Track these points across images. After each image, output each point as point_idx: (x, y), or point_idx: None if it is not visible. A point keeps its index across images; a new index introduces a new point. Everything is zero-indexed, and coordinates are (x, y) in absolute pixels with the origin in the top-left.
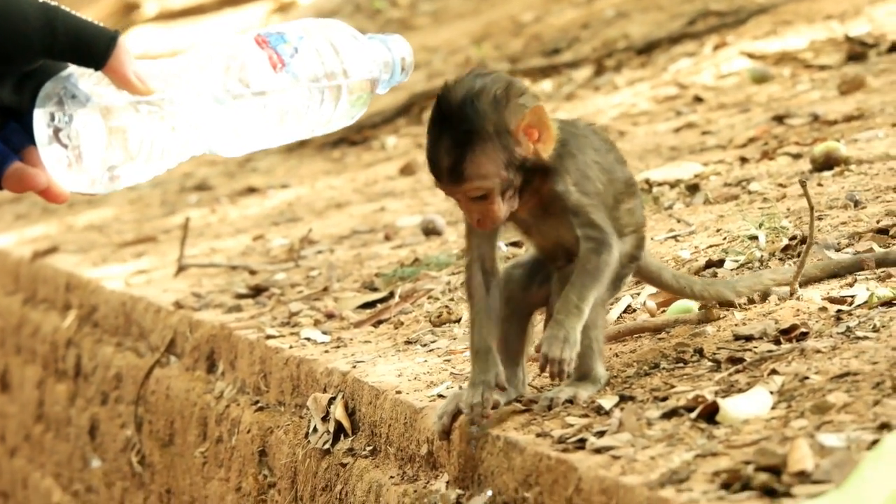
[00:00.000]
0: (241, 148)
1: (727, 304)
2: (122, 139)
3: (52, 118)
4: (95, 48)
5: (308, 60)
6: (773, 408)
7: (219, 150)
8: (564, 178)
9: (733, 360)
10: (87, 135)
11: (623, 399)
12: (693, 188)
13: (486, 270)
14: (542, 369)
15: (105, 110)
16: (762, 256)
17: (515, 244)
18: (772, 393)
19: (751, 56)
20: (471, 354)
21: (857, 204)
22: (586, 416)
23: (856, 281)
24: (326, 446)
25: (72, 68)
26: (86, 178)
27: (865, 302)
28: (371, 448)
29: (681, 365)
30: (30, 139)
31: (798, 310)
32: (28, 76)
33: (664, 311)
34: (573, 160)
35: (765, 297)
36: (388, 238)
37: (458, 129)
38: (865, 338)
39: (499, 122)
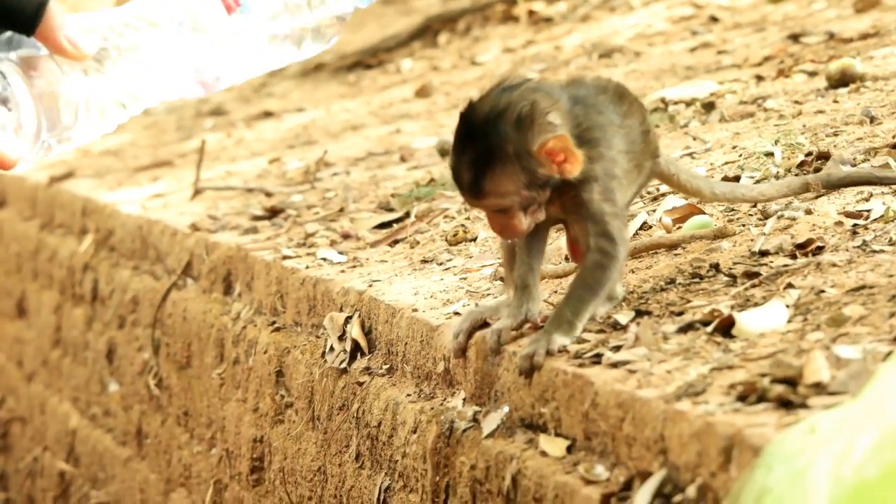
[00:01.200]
0: (202, 89)
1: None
2: (65, 102)
3: None
4: (22, 15)
5: None
6: (788, 321)
7: (174, 97)
8: (592, 185)
9: (749, 275)
10: (27, 99)
11: (639, 314)
12: (709, 106)
13: None
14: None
15: (42, 73)
16: (778, 172)
17: None
18: (788, 306)
19: None
20: (508, 285)
21: (872, 120)
22: (602, 331)
23: (871, 196)
24: (343, 365)
25: (8, 33)
26: (30, 140)
27: (882, 216)
28: (388, 367)
29: (697, 280)
30: None
31: (814, 224)
32: None
33: (680, 227)
34: (601, 163)
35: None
36: (403, 159)
37: (479, 146)
38: (881, 251)
39: (520, 144)
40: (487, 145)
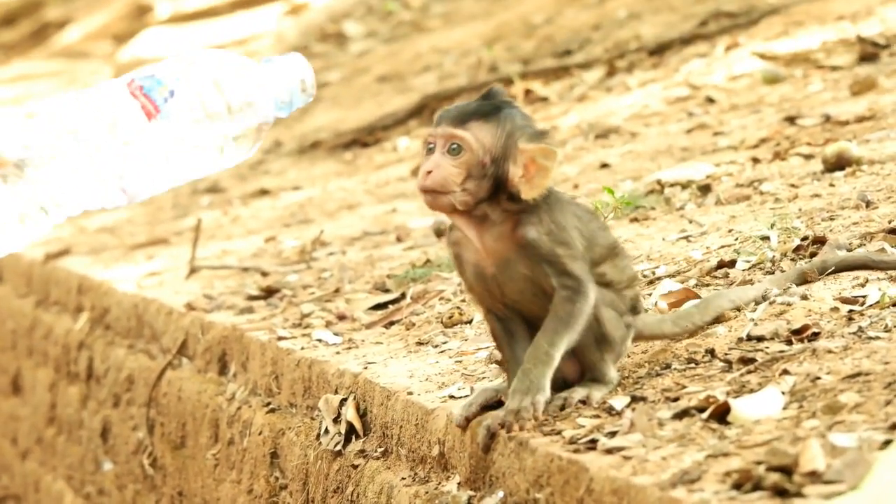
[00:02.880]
0: (124, 199)
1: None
2: None
3: None
4: None
5: (186, 104)
6: (784, 408)
7: (96, 206)
8: (537, 226)
9: (745, 361)
10: None
11: (634, 399)
12: (705, 189)
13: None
14: (505, 428)
15: None
16: (774, 257)
17: None
18: (783, 393)
19: (763, 57)
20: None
21: (868, 204)
22: (598, 416)
23: (868, 281)
24: (338, 448)
25: None
26: None
27: (877, 302)
28: (382, 449)
29: (692, 365)
30: None
31: (810, 310)
32: None
33: (676, 312)
34: (550, 213)
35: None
36: (399, 239)
37: (489, 105)
38: (877, 338)
39: (519, 130)
40: (497, 107)
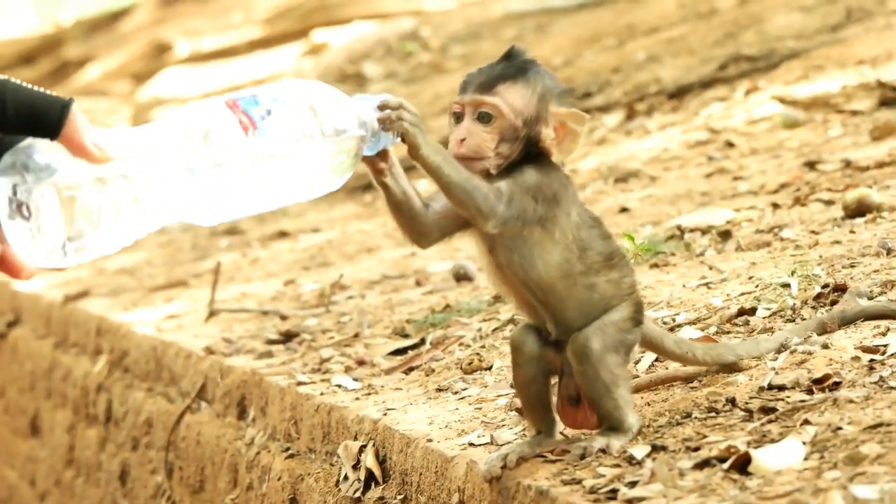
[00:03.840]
0: (216, 216)
1: (729, 368)
2: (83, 210)
3: (14, 191)
4: (48, 118)
5: (282, 122)
6: (805, 458)
7: (192, 218)
8: (523, 171)
9: (766, 410)
10: (47, 207)
11: (655, 449)
12: (725, 234)
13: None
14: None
15: (63, 181)
16: (794, 304)
17: None
18: (804, 443)
19: (782, 101)
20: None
21: (889, 251)
22: (618, 465)
23: (889, 330)
24: (357, 494)
25: (31, 139)
26: (48, 250)
27: None
28: (402, 497)
29: (713, 414)
30: None
31: (831, 359)
32: None
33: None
34: (549, 184)
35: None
36: (419, 284)
37: (516, 66)
38: None
39: (547, 94)
40: (525, 68)
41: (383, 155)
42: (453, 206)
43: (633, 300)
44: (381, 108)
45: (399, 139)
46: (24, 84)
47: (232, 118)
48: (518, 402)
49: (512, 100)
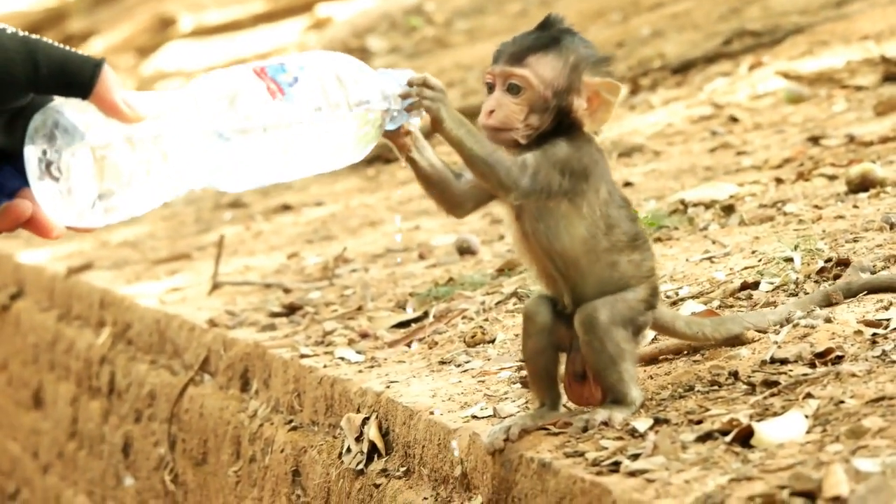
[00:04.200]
0: (243, 182)
1: (737, 341)
2: (113, 170)
3: (44, 152)
4: (80, 77)
5: (309, 90)
6: (808, 432)
7: (219, 183)
8: (556, 144)
9: (768, 384)
10: (78, 167)
11: (657, 422)
12: (728, 209)
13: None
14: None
15: (94, 141)
16: (797, 279)
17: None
18: (807, 417)
19: (786, 76)
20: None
21: (892, 226)
22: (621, 438)
23: (891, 304)
24: (360, 467)
25: (60, 100)
26: (79, 210)
27: None
28: (405, 469)
29: (715, 388)
30: (24, 181)
31: (833, 333)
32: (18, 115)
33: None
34: (579, 158)
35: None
36: (422, 257)
37: (548, 36)
38: None
39: (581, 64)
40: (555, 38)
41: (405, 129)
42: (476, 178)
43: (651, 283)
44: (408, 84)
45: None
46: (56, 43)
47: (260, 84)
48: (521, 376)
49: (542, 71)
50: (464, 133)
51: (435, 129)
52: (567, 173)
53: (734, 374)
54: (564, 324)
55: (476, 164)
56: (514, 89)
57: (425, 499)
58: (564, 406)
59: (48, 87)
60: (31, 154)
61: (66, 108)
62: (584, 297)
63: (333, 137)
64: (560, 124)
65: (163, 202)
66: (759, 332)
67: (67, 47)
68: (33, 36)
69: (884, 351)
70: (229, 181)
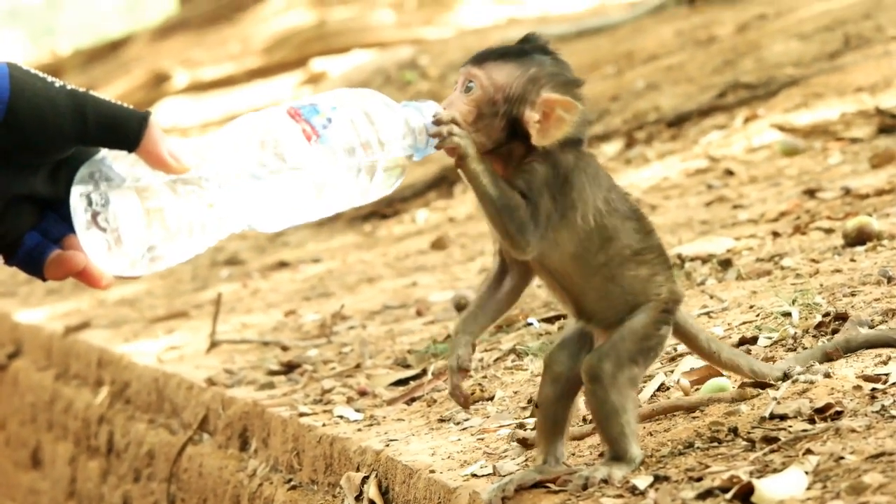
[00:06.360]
0: (281, 222)
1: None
2: (160, 219)
3: (90, 203)
4: (127, 131)
5: (342, 131)
6: (808, 488)
7: (258, 225)
8: (533, 170)
9: (768, 440)
10: (125, 217)
11: (658, 479)
12: (725, 263)
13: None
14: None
15: (141, 191)
16: (796, 333)
17: (548, 321)
18: (807, 473)
19: (781, 128)
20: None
21: (890, 280)
22: (621, 495)
23: (890, 358)
24: None
25: (105, 150)
26: (126, 260)
27: None
28: None
29: (715, 444)
30: (69, 228)
31: (832, 388)
32: (61, 164)
33: (698, 390)
34: (560, 163)
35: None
36: (419, 314)
37: (519, 46)
38: None
39: (542, 78)
40: (525, 51)
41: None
42: (488, 223)
43: (661, 300)
44: (436, 122)
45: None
46: (103, 97)
47: (296, 127)
48: (520, 434)
49: (496, 75)
50: (486, 173)
51: (457, 164)
52: (555, 193)
53: (734, 431)
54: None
55: (488, 206)
56: (468, 89)
57: None
58: (565, 463)
59: (96, 140)
60: (78, 205)
61: (111, 159)
62: (588, 311)
63: (365, 173)
64: (514, 136)
65: (206, 248)
66: (761, 380)
67: (115, 101)
68: (81, 89)
69: (883, 406)
70: (266, 222)
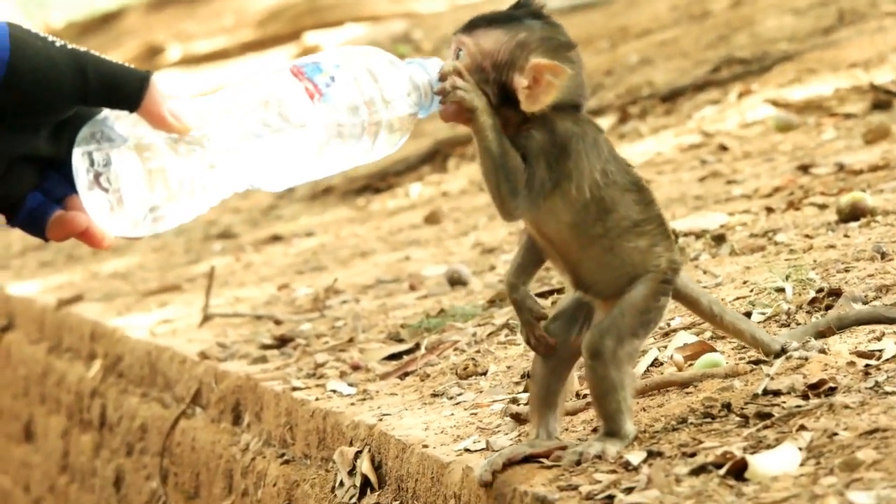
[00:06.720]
0: (284, 181)
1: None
2: (161, 179)
3: (91, 163)
4: (128, 91)
5: (345, 88)
6: (801, 464)
7: (261, 184)
8: (532, 137)
9: (761, 416)
10: (127, 177)
11: (651, 455)
12: (719, 239)
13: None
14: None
15: (143, 151)
16: (789, 309)
17: (542, 295)
18: (800, 449)
19: (775, 104)
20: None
21: (883, 256)
22: (614, 471)
23: (884, 335)
24: (353, 500)
25: (107, 111)
26: (129, 220)
27: (894, 356)
28: (398, 503)
29: (709, 420)
30: (71, 188)
31: (826, 364)
32: (63, 124)
33: (691, 365)
34: (557, 130)
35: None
36: (413, 288)
37: (509, 12)
38: (894, 393)
39: (531, 44)
40: (513, 16)
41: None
42: (482, 175)
43: (661, 271)
44: (441, 78)
45: None
46: (104, 56)
47: (299, 86)
48: (513, 409)
49: (484, 41)
50: (493, 129)
51: (466, 119)
52: (551, 161)
53: (727, 407)
54: (578, 333)
55: (488, 163)
56: (458, 57)
57: None
58: (557, 438)
59: (97, 100)
60: (80, 165)
61: (113, 119)
62: (585, 282)
63: (370, 131)
64: (506, 102)
65: (209, 207)
66: (761, 348)
67: (116, 60)
68: (82, 49)
69: (877, 382)
70: (269, 181)
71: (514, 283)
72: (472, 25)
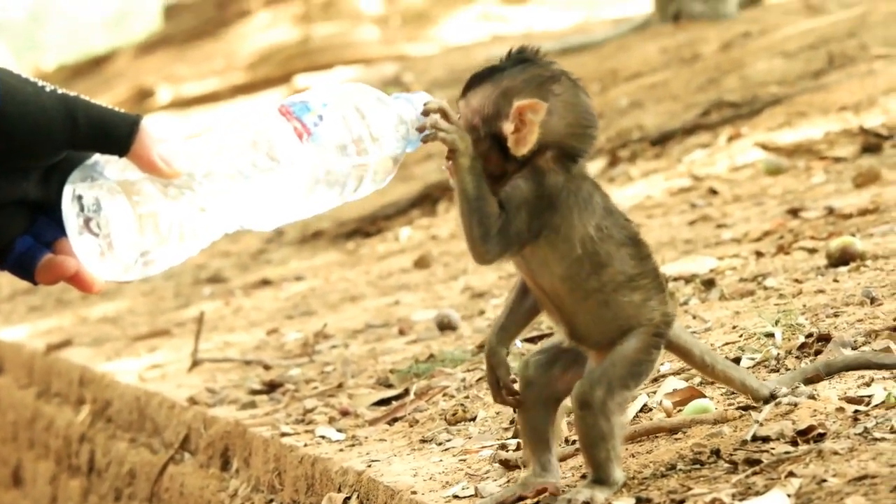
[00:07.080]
0: (274, 221)
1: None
2: (152, 223)
3: (82, 208)
4: (117, 136)
5: (334, 128)
6: None
7: (251, 224)
8: (517, 183)
9: (750, 462)
10: (117, 222)
11: (640, 501)
12: (708, 283)
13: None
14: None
15: (132, 195)
16: (778, 354)
17: (530, 340)
18: (789, 496)
19: (765, 147)
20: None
21: (873, 301)
22: None
23: (873, 380)
24: None
25: (97, 155)
26: (119, 265)
27: (883, 402)
28: None
29: (697, 466)
30: (61, 232)
31: (815, 410)
32: (53, 168)
33: (680, 411)
34: (540, 193)
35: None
36: (402, 332)
37: (497, 65)
38: (883, 439)
39: (514, 89)
40: (500, 68)
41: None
42: (458, 216)
43: (654, 325)
44: (424, 114)
45: None
46: (93, 101)
47: (287, 126)
48: (502, 455)
49: (472, 100)
50: (471, 171)
51: (449, 158)
52: (534, 212)
53: (716, 453)
54: (561, 368)
55: (463, 205)
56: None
57: None
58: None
59: (86, 145)
60: (70, 210)
61: (103, 163)
62: (579, 333)
63: (357, 171)
64: (502, 154)
65: (200, 250)
66: (750, 395)
67: (105, 105)
68: (72, 93)
69: (866, 428)
70: (259, 221)
71: (494, 348)
72: (466, 89)
